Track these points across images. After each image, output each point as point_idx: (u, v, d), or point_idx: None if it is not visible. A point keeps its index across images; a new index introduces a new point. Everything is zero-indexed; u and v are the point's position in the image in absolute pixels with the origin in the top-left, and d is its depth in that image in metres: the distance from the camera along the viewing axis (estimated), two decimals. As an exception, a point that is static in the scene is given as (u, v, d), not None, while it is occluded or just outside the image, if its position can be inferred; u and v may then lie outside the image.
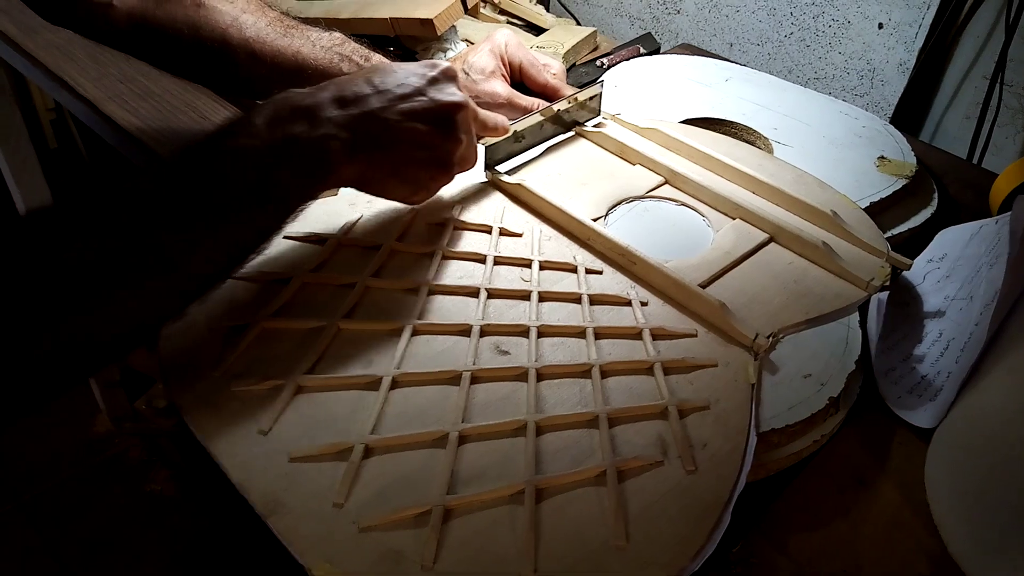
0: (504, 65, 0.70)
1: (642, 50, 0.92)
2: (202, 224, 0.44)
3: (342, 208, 0.62)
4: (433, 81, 0.53)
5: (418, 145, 0.52)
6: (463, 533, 0.42)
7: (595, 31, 0.91)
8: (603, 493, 0.44)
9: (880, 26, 1.04)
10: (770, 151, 0.73)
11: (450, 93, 0.54)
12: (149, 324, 0.45)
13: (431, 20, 0.78)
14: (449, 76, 0.54)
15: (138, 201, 0.43)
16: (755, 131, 0.75)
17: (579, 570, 0.40)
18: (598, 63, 0.88)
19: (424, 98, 0.52)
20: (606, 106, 0.74)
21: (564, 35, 0.91)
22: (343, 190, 0.63)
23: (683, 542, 0.42)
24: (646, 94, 0.80)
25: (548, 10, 0.98)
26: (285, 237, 0.58)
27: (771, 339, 0.53)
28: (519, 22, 0.97)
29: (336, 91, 0.50)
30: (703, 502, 0.44)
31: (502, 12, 0.97)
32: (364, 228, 0.60)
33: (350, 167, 0.50)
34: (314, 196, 0.50)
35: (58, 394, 0.42)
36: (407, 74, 0.53)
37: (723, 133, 0.74)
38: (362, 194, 0.63)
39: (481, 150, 0.63)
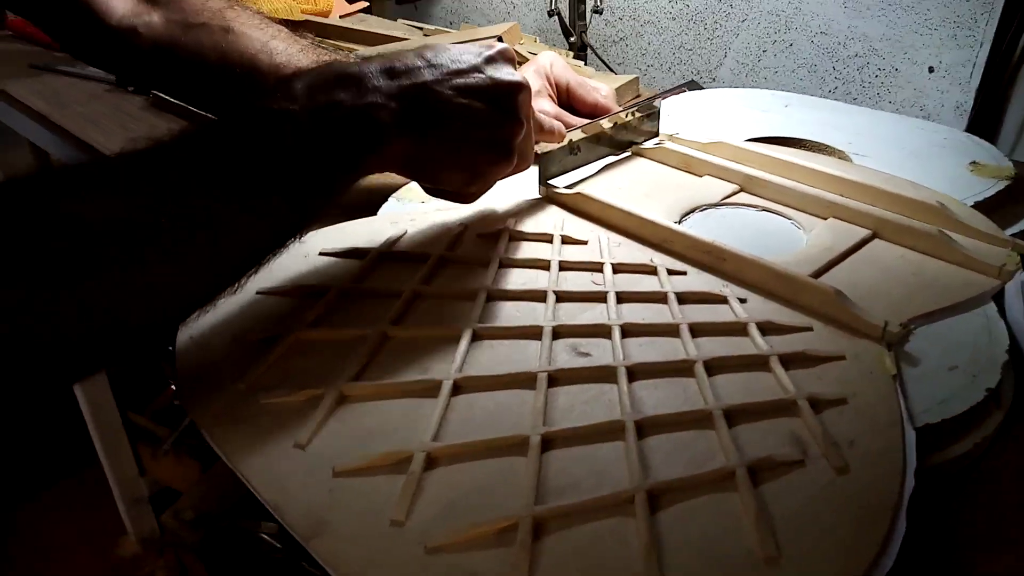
0: (551, 86, 0.65)
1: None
2: (234, 191, 0.37)
3: (383, 227, 0.55)
4: (490, 60, 0.48)
5: (475, 124, 0.46)
6: (559, 551, 0.32)
7: (636, 78, 0.87)
8: (734, 499, 0.34)
9: (931, 70, 1.00)
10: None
11: (509, 73, 0.48)
12: (180, 301, 0.37)
13: (499, 37, 0.74)
14: (507, 57, 0.49)
15: (168, 163, 0.36)
16: (828, 146, 0.69)
17: (721, 592, 0.30)
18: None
19: (481, 75, 0.46)
20: (661, 127, 0.68)
21: (605, 82, 0.87)
22: (384, 208, 0.57)
23: (850, 553, 0.32)
24: (702, 121, 0.74)
25: (586, 64, 0.95)
26: (321, 253, 0.51)
27: (904, 329, 0.44)
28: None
29: (385, 63, 0.44)
30: (865, 506, 0.34)
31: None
32: (409, 241, 0.53)
33: (399, 143, 0.43)
34: (359, 173, 0.43)
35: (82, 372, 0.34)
36: (462, 51, 0.47)
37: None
38: (405, 212, 0.57)
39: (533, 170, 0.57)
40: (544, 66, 0.66)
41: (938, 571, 0.35)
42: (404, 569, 0.31)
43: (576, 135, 0.59)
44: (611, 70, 1.04)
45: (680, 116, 0.76)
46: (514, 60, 0.49)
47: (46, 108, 0.84)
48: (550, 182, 0.59)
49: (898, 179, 0.60)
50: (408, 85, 0.44)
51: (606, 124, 0.63)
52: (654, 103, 0.66)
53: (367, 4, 1.27)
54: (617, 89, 0.86)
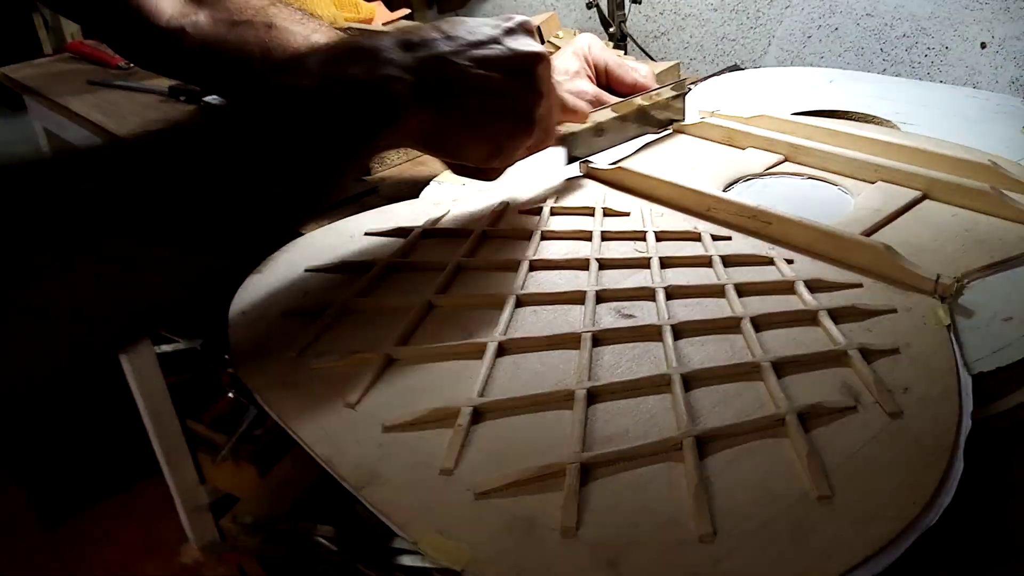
0: (589, 67, 0.66)
1: (728, 80, 0.87)
2: (248, 166, 0.37)
3: (426, 208, 0.56)
4: (509, 31, 0.47)
5: (494, 94, 0.45)
6: (607, 495, 0.32)
7: (677, 63, 0.87)
8: (785, 444, 0.34)
9: (983, 46, 0.98)
10: (894, 134, 0.65)
11: (528, 43, 0.47)
12: (195, 274, 0.37)
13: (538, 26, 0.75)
14: (526, 29, 0.48)
15: (186, 139, 0.37)
16: (875, 116, 0.68)
17: (776, 528, 0.30)
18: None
19: (500, 46, 0.46)
20: (701, 107, 0.68)
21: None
22: (426, 192, 0.58)
23: (908, 491, 0.31)
24: (745, 99, 0.74)
25: (626, 53, 0.95)
26: (367, 233, 0.52)
27: (957, 282, 0.43)
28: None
29: (401, 36, 0.44)
30: (921, 448, 0.33)
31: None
32: (452, 219, 0.53)
33: (416, 116, 0.43)
34: (377, 148, 0.43)
35: None
36: (479, 23, 0.47)
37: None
38: (447, 193, 0.58)
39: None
40: (582, 47, 0.66)
41: (988, 520, 0.34)
42: (455, 514, 0.31)
43: (602, 116, 0.59)
44: (651, 58, 1.04)
45: (723, 96, 0.76)
46: (534, 32, 0.49)
47: (103, 120, 0.88)
48: (589, 159, 0.59)
49: (947, 143, 0.59)
50: (424, 57, 0.43)
51: (639, 101, 0.63)
52: (684, 82, 0.65)
53: (409, 11, 1.29)
54: (658, 75, 0.86)
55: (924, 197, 0.52)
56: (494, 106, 0.46)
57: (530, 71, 0.47)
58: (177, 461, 1.38)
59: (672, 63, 0.89)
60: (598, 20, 0.98)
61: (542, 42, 0.77)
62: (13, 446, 1.83)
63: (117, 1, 0.60)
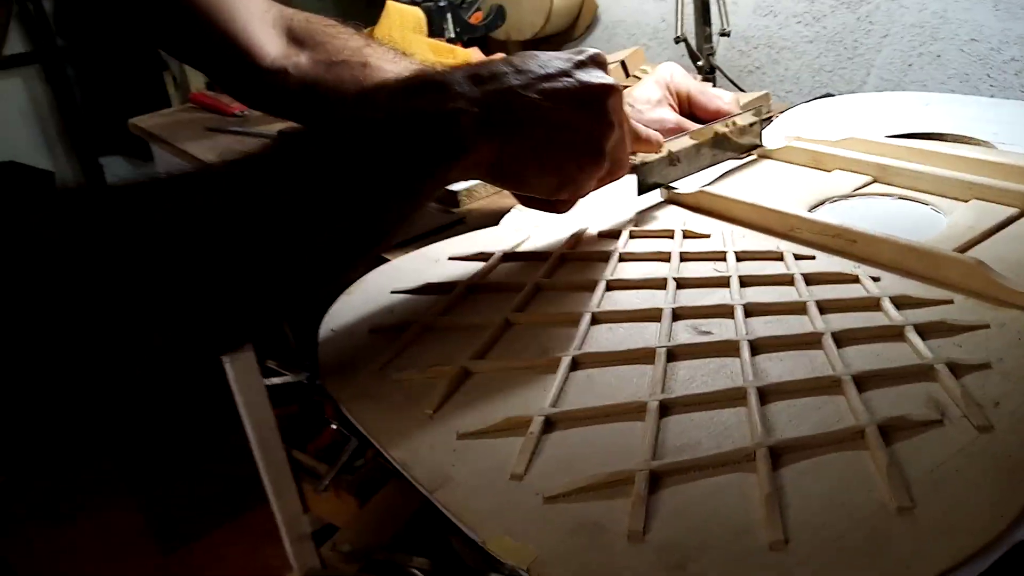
0: (671, 95, 0.66)
1: (819, 108, 0.86)
2: (318, 193, 0.38)
3: (508, 234, 0.57)
4: (580, 64, 0.48)
5: (563, 127, 0.45)
6: (676, 502, 0.32)
7: (767, 93, 0.87)
8: (864, 457, 0.33)
9: (1095, 63, 0.93)
10: (995, 153, 0.63)
11: (599, 76, 0.47)
12: (257, 310, 0.39)
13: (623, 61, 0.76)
14: (598, 62, 0.49)
15: (250, 170, 0.39)
16: (971, 137, 0.65)
17: (851, 539, 0.29)
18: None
19: (570, 79, 0.46)
20: (789, 133, 0.67)
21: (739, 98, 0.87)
22: (506, 218, 0.59)
23: (995, 505, 0.30)
24: (835, 123, 0.72)
25: (715, 85, 0.95)
26: (450, 258, 0.54)
27: (1057, 298, 0.41)
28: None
29: (471, 70, 0.45)
30: (1012, 461, 0.31)
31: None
32: (531, 244, 0.55)
33: (484, 148, 0.43)
34: (446, 180, 0.44)
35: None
36: (551, 57, 0.48)
37: (932, 145, 0.65)
38: (527, 220, 0.59)
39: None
40: (665, 76, 0.67)
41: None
42: (523, 517, 0.32)
43: (675, 145, 0.59)
44: (741, 90, 1.04)
45: (814, 122, 0.75)
46: (605, 64, 0.49)
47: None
48: (671, 184, 0.59)
49: (1052, 160, 0.56)
50: (492, 90, 0.44)
51: (717, 128, 0.62)
52: (762, 107, 0.65)
53: (503, 56, 1.34)
54: (747, 104, 0.86)
55: (1021, 215, 0.50)
56: (562, 138, 0.46)
57: (600, 103, 0.47)
58: (282, 490, 1.43)
59: (762, 93, 0.88)
60: (687, 54, 0.98)
61: (627, 75, 0.79)
62: (135, 475, 1.94)
63: (228, 45, 0.65)
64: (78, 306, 0.32)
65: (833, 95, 0.89)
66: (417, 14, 1.27)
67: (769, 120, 0.67)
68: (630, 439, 0.35)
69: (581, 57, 0.49)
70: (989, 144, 0.63)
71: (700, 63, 0.95)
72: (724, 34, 1.02)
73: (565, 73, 0.47)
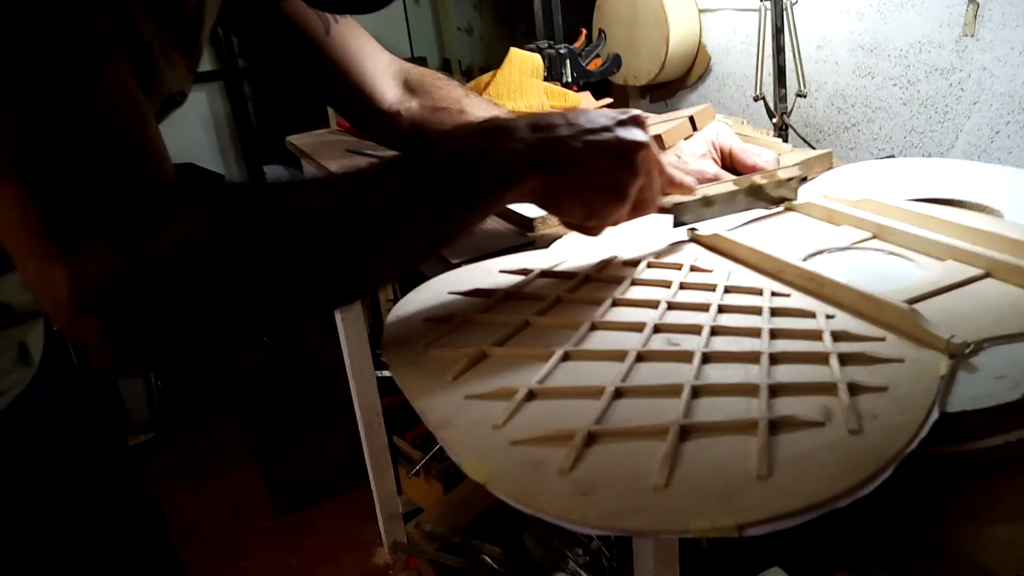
0: (715, 150, 0.77)
1: (877, 168, 0.93)
2: (407, 200, 0.52)
3: (553, 255, 0.70)
4: (621, 123, 0.60)
5: (597, 171, 0.57)
6: (603, 454, 0.43)
7: (831, 152, 0.95)
8: (752, 441, 0.43)
9: None
10: (1004, 222, 0.69)
11: (634, 134, 0.59)
12: (361, 280, 0.54)
13: (660, 136, 0.88)
14: (637, 122, 0.61)
15: (363, 180, 0.53)
16: (985, 206, 0.72)
17: (714, 492, 0.40)
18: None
19: (609, 134, 0.58)
20: (828, 190, 0.76)
21: (797, 156, 0.96)
22: (556, 244, 0.72)
23: (832, 482, 0.39)
24: (877, 182, 0.81)
25: (786, 141, 1.04)
26: (500, 271, 0.67)
27: (971, 345, 0.49)
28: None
29: (532, 120, 0.58)
30: (863, 455, 0.41)
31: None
32: (568, 265, 0.67)
33: (532, 180, 0.56)
34: (502, 200, 0.56)
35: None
36: (598, 114, 0.60)
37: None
38: (572, 245, 0.72)
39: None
40: (711, 134, 0.78)
41: (917, 530, 0.41)
42: (493, 453, 0.44)
43: (710, 190, 0.70)
44: (810, 146, 1.11)
45: (862, 179, 0.83)
46: (644, 124, 0.61)
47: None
48: (693, 224, 0.70)
49: (1040, 231, 0.63)
50: (545, 137, 0.57)
51: (754, 179, 0.73)
52: (792, 170, 0.74)
53: (611, 100, 1.46)
54: (807, 162, 0.95)
55: (987, 275, 0.58)
56: (595, 180, 0.58)
57: (631, 155, 0.59)
58: (381, 471, 1.60)
59: (825, 151, 0.97)
60: (764, 110, 1.08)
61: (694, 129, 0.90)
62: (261, 447, 2.18)
63: (357, 91, 0.82)
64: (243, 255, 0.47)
65: (894, 156, 0.95)
66: (536, 60, 1.42)
67: (805, 179, 0.77)
68: (586, 411, 0.47)
69: (623, 117, 0.61)
70: (998, 212, 0.70)
71: (774, 120, 1.04)
72: (801, 95, 1.11)
73: (607, 129, 0.59)
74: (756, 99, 1.05)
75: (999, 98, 1.19)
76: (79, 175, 0.43)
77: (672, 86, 1.81)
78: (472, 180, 0.54)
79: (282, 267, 0.48)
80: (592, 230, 0.63)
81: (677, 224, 0.70)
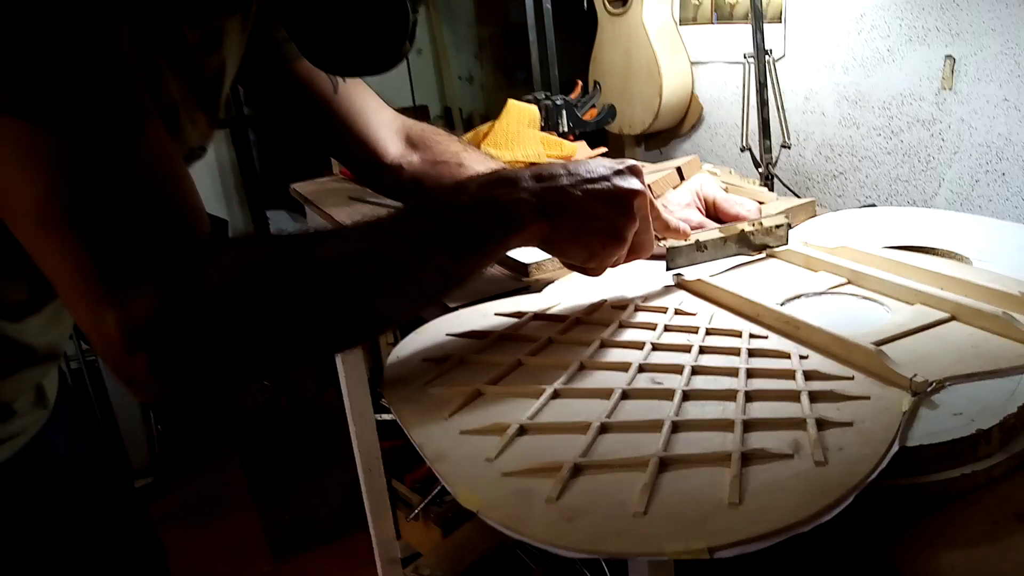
0: (699, 199, 0.81)
1: (858, 216, 0.98)
2: (423, 246, 0.57)
3: (546, 299, 0.74)
4: (618, 172, 0.64)
5: (596, 217, 0.62)
6: (588, 485, 0.47)
7: (814, 201, 0.99)
8: (725, 471, 0.46)
9: None
10: (973, 268, 0.73)
11: (631, 182, 0.63)
12: (382, 319, 0.58)
13: (648, 186, 0.92)
14: (634, 171, 0.65)
15: (380, 228, 0.58)
16: (955, 252, 0.76)
17: (689, 518, 0.43)
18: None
19: (608, 183, 0.63)
20: (802, 239, 0.80)
21: (781, 204, 1.00)
22: (549, 288, 0.76)
23: (797, 509, 0.43)
24: (856, 229, 0.85)
25: (772, 190, 1.09)
26: (496, 314, 0.71)
27: (933, 384, 0.53)
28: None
29: (537, 170, 0.63)
30: (827, 484, 0.44)
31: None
32: (561, 308, 0.71)
33: (537, 225, 0.60)
34: (509, 244, 0.61)
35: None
36: (597, 164, 0.64)
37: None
38: (561, 290, 0.75)
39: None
40: (696, 185, 0.82)
41: (879, 556, 0.44)
42: (485, 483, 0.47)
43: (703, 236, 0.74)
44: (795, 195, 1.16)
45: (843, 227, 0.87)
46: (640, 173, 0.65)
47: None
48: (678, 270, 0.74)
49: (1007, 278, 0.67)
50: (548, 186, 0.61)
51: (741, 227, 0.77)
52: (779, 218, 0.79)
53: (605, 150, 1.52)
54: (791, 210, 0.99)
55: (952, 319, 0.62)
56: (594, 225, 0.62)
57: (627, 202, 0.63)
58: (380, 514, 1.61)
59: (808, 200, 1.01)
60: (751, 160, 1.12)
61: (682, 179, 0.94)
62: (260, 491, 2.19)
63: (361, 145, 0.87)
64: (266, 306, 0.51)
65: (875, 205, 1.00)
66: (533, 111, 1.47)
67: (791, 226, 0.81)
68: (573, 445, 0.50)
69: (620, 167, 0.65)
70: (967, 259, 0.74)
71: (760, 170, 1.09)
72: (785, 146, 1.16)
73: (605, 178, 0.63)
74: (743, 150, 1.09)
75: (977, 148, 1.24)
76: (127, 228, 0.48)
77: (666, 135, 1.87)
78: (482, 227, 0.59)
79: (310, 308, 0.52)
80: (592, 271, 0.67)
81: (670, 267, 0.74)
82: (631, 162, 0.66)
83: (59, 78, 0.47)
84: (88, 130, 0.48)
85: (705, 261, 0.76)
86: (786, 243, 0.80)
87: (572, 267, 0.69)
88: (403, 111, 0.93)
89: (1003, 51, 1.18)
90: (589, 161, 0.65)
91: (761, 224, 0.78)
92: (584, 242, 0.63)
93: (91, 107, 0.48)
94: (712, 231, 0.75)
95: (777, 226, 0.79)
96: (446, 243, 0.58)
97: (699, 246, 0.75)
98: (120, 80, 0.49)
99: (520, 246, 0.63)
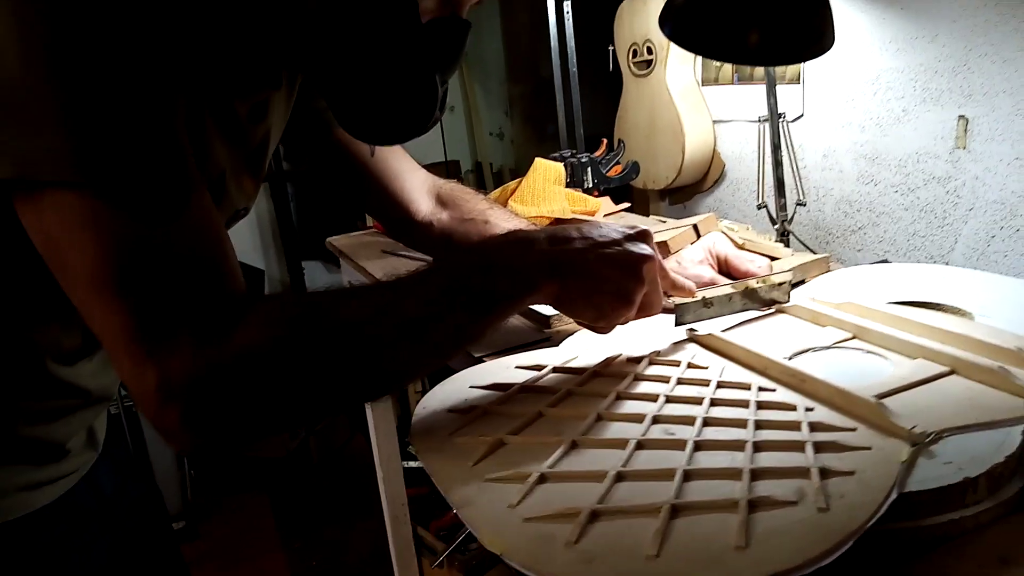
0: (712, 257, 0.86)
1: (871, 272, 1.01)
2: (441, 307, 0.61)
3: (565, 352, 0.78)
4: (629, 237, 0.68)
5: (606, 280, 0.66)
6: (605, 529, 0.50)
7: (828, 256, 1.03)
8: (733, 518, 0.50)
9: None
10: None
11: (641, 248, 0.68)
12: (403, 374, 0.62)
13: (666, 243, 0.97)
14: (644, 236, 0.69)
15: (399, 288, 0.62)
16: (959, 308, 0.79)
17: (698, 561, 0.46)
18: (825, 281, 0.98)
19: (619, 248, 0.67)
20: (812, 294, 0.84)
21: (795, 260, 1.04)
22: (566, 342, 0.80)
23: (800, 552, 0.46)
24: (853, 288, 0.88)
25: (787, 246, 1.12)
26: (517, 367, 0.75)
27: (932, 435, 0.56)
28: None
29: (551, 233, 0.67)
30: (828, 530, 0.47)
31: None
32: (578, 361, 0.75)
33: (549, 287, 0.64)
34: (522, 304, 0.65)
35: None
36: (610, 229, 0.69)
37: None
38: (581, 344, 0.80)
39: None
40: (709, 243, 0.87)
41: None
42: (508, 527, 0.51)
43: (710, 293, 0.78)
44: (811, 251, 1.19)
45: (853, 283, 0.91)
46: (650, 238, 0.70)
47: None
48: (690, 325, 0.78)
49: (1007, 334, 0.70)
50: (561, 249, 0.65)
51: (748, 283, 0.81)
52: (784, 276, 0.82)
53: (628, 205, 1.57)
54: (804, 266, 1.03)
55: (952, 372, 0.65)
56: (603, 287, 0.67)
57: (637, 266, 0.67)
58: (406, 562, 1.64)
59: (822, 256, 1.05)
60: (767, 217, 1.16)
61: (698, 236, 0.98)
62: (289, 536, 2.22)
63: (394, 203, 0.93)
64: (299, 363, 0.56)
65: (888, 261, 1.03)
66: (559, 169, 1.53)
67: (803, 281, 0.84)
68: (591, 492, 0.54)
69: (632, 232, 0.69)
70: (969, 315, 0.77)
71: (776, 226, 1.13)
72: (801, 203, 1.20)
73: (616, 242, 0.68)
74: (759, 207, 1.14)
75: (992, 205, 1.27)
76: (168, 292, 0.53)
77: (689, 190, 1.91)
78: (497, 288, 0.63)
79: (336, 364, 0.57)
80: (602, 330, 0.71)
81: (679, 323, 0.78)
82: (641, 227, 0.71)
83: (119, 156, 0.52)
84: (142, 204, 0.53)
85: (712, 317, 0.80)
86: (788, 300, 0.83)
87: (583, 325, 0.73)
88: (435, 166, 0.99)
89: (1015, 112, 1.21)
90: (602, 225, 0.70)
91: (765, 281, 0.82)
92: (594, 303, 0.67)
93: (146, 183, 0.53)
94: (719, 288, 0.79)
95: (780, 283, 0.83)
96: (462, 303, 0.61)
97: (706, 302, 0.78)
98: (173, 157, 0.55)
99: (534, 304, 0.67)
